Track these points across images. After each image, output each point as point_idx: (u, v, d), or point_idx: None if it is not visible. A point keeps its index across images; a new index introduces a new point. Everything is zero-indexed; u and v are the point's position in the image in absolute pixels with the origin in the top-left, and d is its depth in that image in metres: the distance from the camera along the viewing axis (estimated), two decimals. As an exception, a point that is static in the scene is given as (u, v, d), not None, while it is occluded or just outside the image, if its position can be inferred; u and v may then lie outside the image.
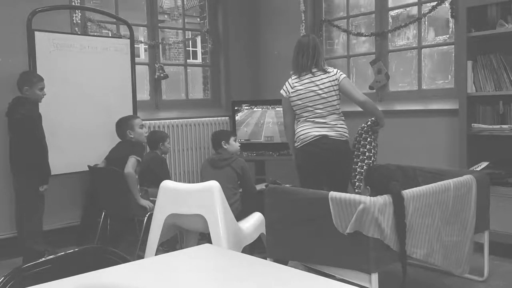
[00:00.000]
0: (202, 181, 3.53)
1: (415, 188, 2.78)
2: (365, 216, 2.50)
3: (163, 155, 4.31)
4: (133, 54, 4.63)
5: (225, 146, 3.85)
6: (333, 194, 2.65)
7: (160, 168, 4.16)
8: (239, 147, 4.01)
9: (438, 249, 2.84)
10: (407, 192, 2.68)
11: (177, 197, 3.23)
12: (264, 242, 3.39)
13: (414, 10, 4.72)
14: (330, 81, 3.51)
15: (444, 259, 2.90)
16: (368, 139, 3.63)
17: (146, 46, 5.52)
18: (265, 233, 3.50)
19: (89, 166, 4.05)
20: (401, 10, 4.91)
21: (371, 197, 2.53)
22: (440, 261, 2.88)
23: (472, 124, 3.92)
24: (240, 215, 3.50)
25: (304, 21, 5.32)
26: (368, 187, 3.00)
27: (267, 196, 3.04)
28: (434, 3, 4.39)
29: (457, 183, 3.00)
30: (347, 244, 2.61)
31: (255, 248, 3.67)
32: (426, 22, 4.67)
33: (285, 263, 2.87)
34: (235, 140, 3.95)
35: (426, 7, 4.50)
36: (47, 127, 3.96)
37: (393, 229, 2.59)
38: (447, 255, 2.92)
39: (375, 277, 2.55)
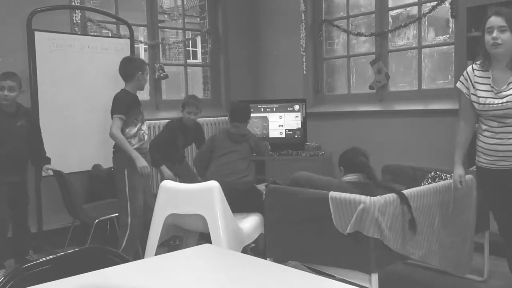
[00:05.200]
0: (215, 152, 3.75)
1: (415, 188, 2.78)
2: (365, 216, 2.50)
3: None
4: (133, 54, 4.63)
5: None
6: (333, 194, 2.65)
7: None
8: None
9: (436, 250, 2.84)
10: (407, 192, 2.68)
11: (177, 197, 3.23)
12: (264, 242, 3.39)
13: (414, 10, 4.72)
14: None
15: (443, 260, 2.90)
16: None
17: (146, 46, 5.53)
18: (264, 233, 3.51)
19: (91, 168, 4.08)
20: (401, 10, 4.91)
21: (371, 197, 2.53)
22: (438, 262, 2.88)
23: (472, 124, 3.91)
24: (252, 188, 3.73)
25: (304, 21, 5.32)
26: (341, 167, 3.14)
27: (267, 196, 3.04)
28: (434, 3, 4.39)
29: (457, 183, 2.99)
30: (347, 244, 2.61)
31: (255, 248, 3.68)
32: (426, 22, 4.67)
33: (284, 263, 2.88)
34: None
35: (426, 7, 4.50)
36: (47, 127, 3.98)
37: (392, 229, 2.59)
38: (446, 256, 2.91)
39: (375, 277, 2.55)
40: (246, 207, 3.59)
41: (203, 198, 3.12)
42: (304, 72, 5.37)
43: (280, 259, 2.86)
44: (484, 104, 2.66)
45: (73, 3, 4.39)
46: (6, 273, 1.57)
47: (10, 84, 3.58)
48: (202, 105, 4.27)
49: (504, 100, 2.60)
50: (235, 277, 1.52)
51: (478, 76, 2.72)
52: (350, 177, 3.04)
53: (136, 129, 3.67)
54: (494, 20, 2.58)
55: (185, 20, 5.71)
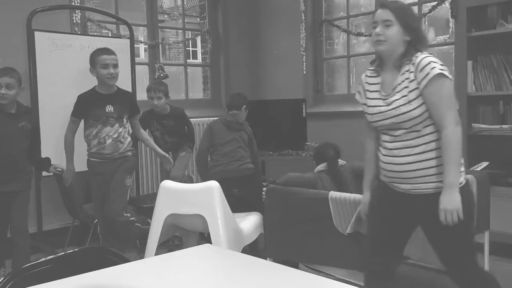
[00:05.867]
0: (214, 141, 3.94)
1: None
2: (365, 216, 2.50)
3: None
4: (133, 54, 4.63)
5: (242, 111, 4.07)
6: (332, 194, 2.66)
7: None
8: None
9: None
10: None
11: (177, 197, 3.23)
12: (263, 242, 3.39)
13: (414, 10, 4.71)
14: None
15: None
16: None
17: (146, 46, 5.53)
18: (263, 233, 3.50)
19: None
20: (401, 10, 4.90)
21: None
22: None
23: (472, 124, 3.92)
24: (255, 174, 3.99)
25: (304, 21, 5.32)
26: (314, 161, 3.41)
27: (267, 196, 3.05)
28: (434, 3, 4.39)
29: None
30: (347, 244, 2.62)
31: (255, 248, 3.67)
32: (426, 22, 4.67)
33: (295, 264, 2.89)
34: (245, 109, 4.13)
35: (426, 7, 4.50)
36: (47, 127, 3.97)
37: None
38: None
39: None
40: (249, 194, 3.79)
41: (203, 198, 3.11)
42: (304, 72, 5.37)
43: (281, 260, 2.86)
44: (373, 114, 2.25)
45: (73, 3, 4.39)
46: (5, 272, 1.56)
47: (8, 81, 3.21)
48: (202, 105, 4.25)
49: (390, 107, 2.18)
50: (235, 277, 1.52)
51: (369, 83, 2.38)
52: (319, 167, 3.29)
53: (96, 130, 3.47)
54: (379, 14, 2.25)
55: (185, 20, 5.71)
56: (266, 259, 2.68)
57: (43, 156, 3.70)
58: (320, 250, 2.77)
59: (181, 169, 4.16)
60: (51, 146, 3.92)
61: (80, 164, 3.99)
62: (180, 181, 3.70)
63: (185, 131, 4.40)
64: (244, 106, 4.08)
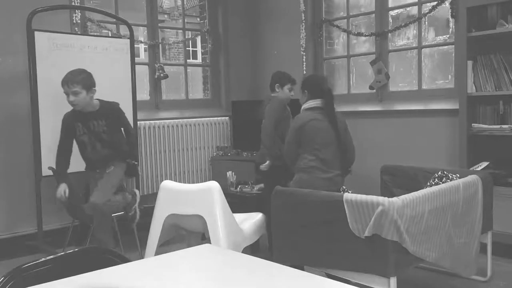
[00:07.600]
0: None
1: (429, 188, 2.74)
2: (383, 218, 2.43)
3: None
4: (133, 54, 4.63)
5: (277, 90, 4.02)
6: (347, 196, 2.58)
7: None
8: (291, 96, 4.00)
9: (447, 251, 2.80)
10: (423, 193, 2.63)
11: (177, 197, 3.22)
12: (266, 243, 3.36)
13: (414, 10, 4.72)
14: None
15: (453, 262, 2.86)
16: None
17: (146, 46, 5.53)
18: (266, 234, 3.48)
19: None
20: (401, 10, 4.91)
21: (390, 199, 2.46)
22: (449, 264, 2.83)
23: (472, 124, 3.92)
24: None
25: (304, 21, 5.32)
26: (305, 91, 3.53)
27: (274, 198, 2.93)
28: (434, 3, 4.39)
29: (465, 183, 2.96)
30: (364, 247, 2.53)
31: (256, 249, 3.66)
32: (426, 22, 4.67)
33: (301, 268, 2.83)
34: (289, 89, 3.99)
35: (426, 7, 4.50)
36: (47, 127, 3.97)
37: (409, 231, 2.53)
38: (456, 257, 2.88)
39: (393, 280, 2.49)
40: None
41: (203, 198, 3.11)
42: (304, 72, 5.37)
43: (289, 265, 2.81)
44: None
45: (73, 3, 4.39)
46: None
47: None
48: (202, 105, 4.13)
49: None
50: (235, 277, 1.51)
51: None
52: (313, 103, 3.44)
53: None
54: None
55: (185, 20, 5.71)
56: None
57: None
58: (333, 254, 2.67)
59: (103, 196, 3.53)
60: (50, 145, 3.92)
61: (79, 164, 4.00)
62: (103, 209, 3.45)
63: (123, 137, 3.71)
64: (286, 85, 4.02)
